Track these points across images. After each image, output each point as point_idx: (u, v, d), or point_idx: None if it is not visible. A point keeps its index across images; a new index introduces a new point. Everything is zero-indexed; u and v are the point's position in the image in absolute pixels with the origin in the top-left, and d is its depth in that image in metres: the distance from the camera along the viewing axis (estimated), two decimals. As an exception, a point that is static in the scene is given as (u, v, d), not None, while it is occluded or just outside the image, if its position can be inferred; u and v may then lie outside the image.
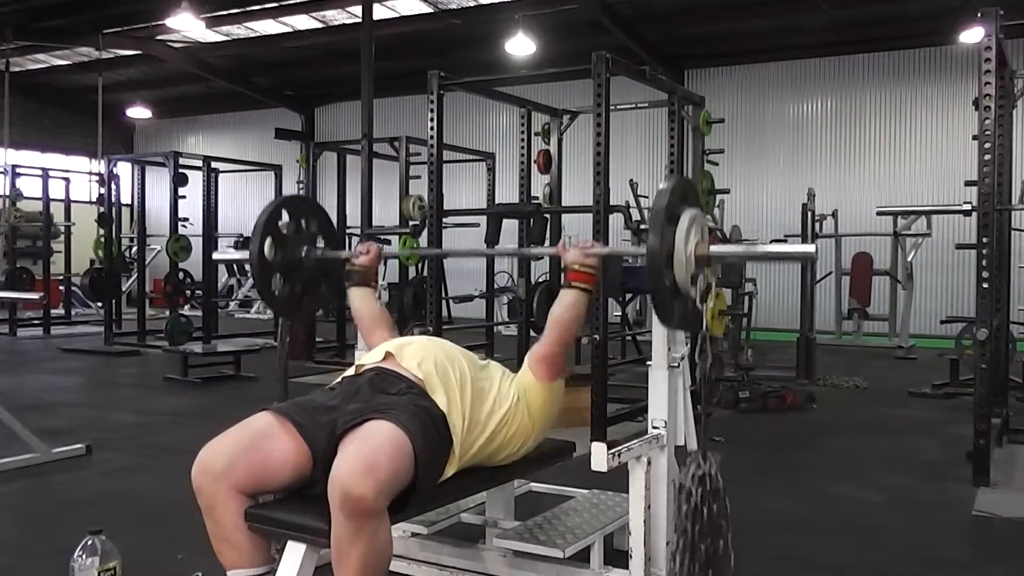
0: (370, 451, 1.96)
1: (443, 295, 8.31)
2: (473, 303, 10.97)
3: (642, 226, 6.60)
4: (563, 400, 2.51)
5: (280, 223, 2.75)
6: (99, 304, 11.17)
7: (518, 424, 2.36)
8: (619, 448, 2.49)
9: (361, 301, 2.78)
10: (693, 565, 2.15)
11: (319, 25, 12.59)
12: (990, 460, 4.17)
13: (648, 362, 2.60)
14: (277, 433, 2.12)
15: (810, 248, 2.44)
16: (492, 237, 6.70)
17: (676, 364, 2.60)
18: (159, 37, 13.19)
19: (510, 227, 7.03)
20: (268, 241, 2.67)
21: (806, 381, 7.33)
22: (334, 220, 10.96)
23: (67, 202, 12.49)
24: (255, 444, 2.09)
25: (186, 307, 10.61)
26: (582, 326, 2.65)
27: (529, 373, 2.42)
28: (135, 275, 11.22)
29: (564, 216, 7.20)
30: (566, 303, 2.43)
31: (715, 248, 2.27)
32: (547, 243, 6.93)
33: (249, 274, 14.99)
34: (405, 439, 2.03)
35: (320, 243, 2.86)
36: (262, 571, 2.09)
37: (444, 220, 5.92)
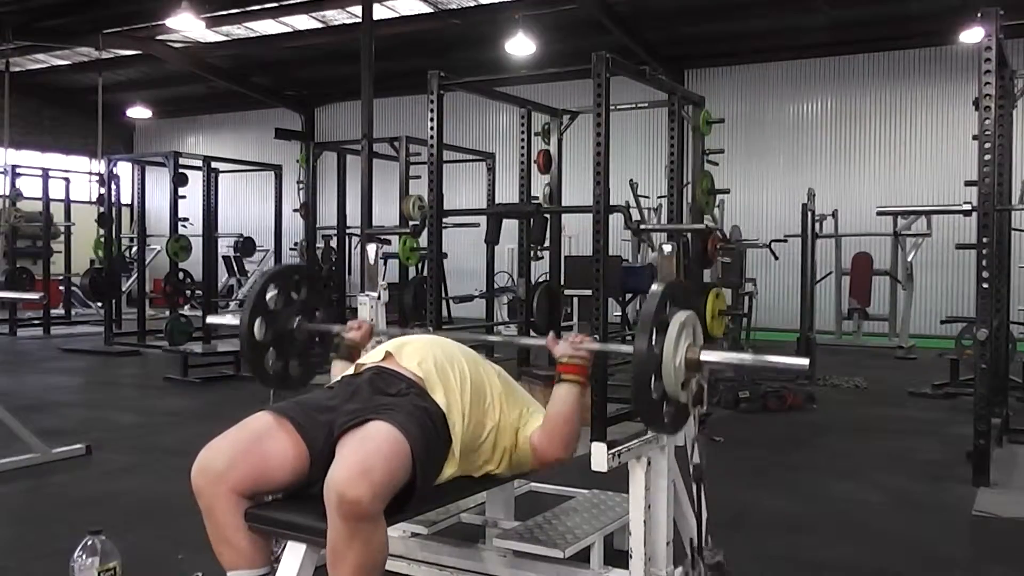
0: (366, 453, 1.96)
1: (443, 295, 8.31)
2: (473, 303, 10.97)
3: (642, 226, 6.59)
4: None
5: (268, 297, 2.68)
6: (99, 304, 11.16)
7: (509, 439, 2.34)
8: (619, 448, 2.49)
9: (340, 372, 2.61)
10: None
11: (319, 25, 12.59)
12: (990, 460, 4.18)
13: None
14: (276, 433, 2.11)
15: (804, 361, 2.26)
16: (492, 237, 6.70)
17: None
18: (159, 37, 13.18)
19: (510, 227, 7.03)
20: (259, 321, 2.63)
21: (806, 381, 7.32)
22: (334, 220, 10.97)
23: (67, 202, 12.49)
24: (254, 445, 2.08)
25: (186, 307, 10.61)
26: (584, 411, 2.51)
27: (528, 449, 2.33)
28: (135, 275, 11.21)
29: (564, 216, 7.21)
30: (560, 397, 2.31)
31: (706, 356, 2.19)
32: (547, 243, 6.93)
33: (249, 274, 15.04)
34: (403, 440, 2.02)
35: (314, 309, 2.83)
36: (262, 572, 2.09)
37: (444, 220, 5.91)
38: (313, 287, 2.85)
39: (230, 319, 3.29)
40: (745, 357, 2.48)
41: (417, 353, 2.32)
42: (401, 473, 2.00)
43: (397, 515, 2.05)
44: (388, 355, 2.35)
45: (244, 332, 2.60)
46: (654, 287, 2.19)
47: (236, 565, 2.07)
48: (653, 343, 2.08)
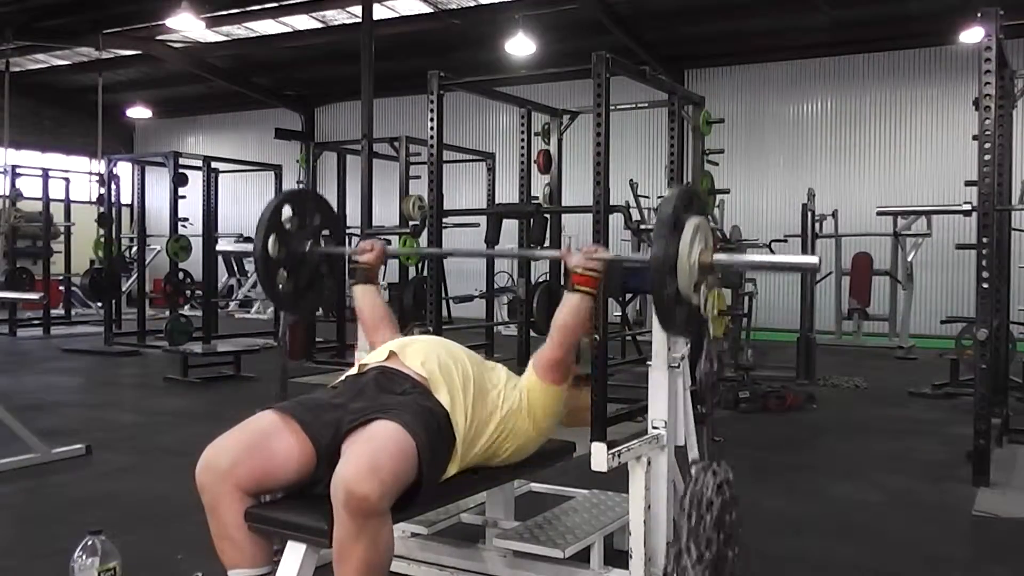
0: (374, 451, 1.96)
1: (443, 295, 8.31)
2: (473, 303, 10.97)
3: (642, 226, 6.59)
4: (567, 402, 2.51)
5: (284, 218, 2.77)
6: (99, 304, 11.17)
7: (518, 426, 2.36)
8: (619, 448, 2.49)
9: (364, 299, 2.78)
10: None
11: (319, 25, 12.59)
12: (990, 460, 4.17)
13: (648, 362, 2.60)
14: (281, 432, 2.12)
15: (813, 259, 2.45)
16: (492, 237, 6.70)
17: (676, 364, 2.60)
18: (159, 37, 13.19)
19: (510, 227, 7.04)
20: (272, 237, 2.69)
21: (806, 381, 7.33)
22: (334, 220, 10.91)
23: (67, 202, 12.48)
24: (259, 443, 2.09)
25: (186, 307, 10.61)
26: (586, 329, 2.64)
27: (534, 376, 2.41)
28: (135, 275, 11.21)
29: (564, 216, 7.21)
30: (570, 307, 2.39)
31: (719, 257, 2.28)
32: (547, 243, 6.94)
33: (249, 274, 15.03)
34: (409, 439, 2.03)
35: (326, 236, 2.89)
36: (263, 571, 2.09)
37: (444, 220, 5.92)
38: (326, 214, 2.91)
39: (239, 246, 3.42)
40: (755, 259, 2.61)
41: (420, 353, 2.33)
42: (407, 471, 2.01)
43: (401, 514, 2.05)
44: (392, 354, 2.36)
45: (258, 247, 2.66)
46: (668, 191, 2.28)
47: (237, 563, 2.07)
48: (669, 242, 2.17)
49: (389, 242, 7.41)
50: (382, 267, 2.89)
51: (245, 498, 2.06)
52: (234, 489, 2.04)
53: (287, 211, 2.80)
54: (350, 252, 2.84)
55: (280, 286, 2.77)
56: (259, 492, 2.09)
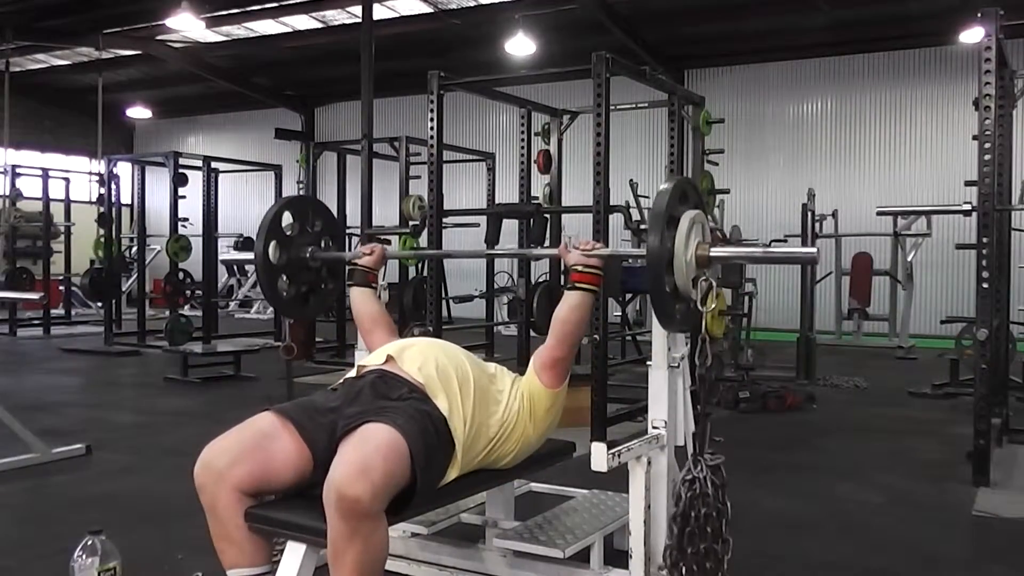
0: (365, 454, 1.96)
1: (443, 295, 8.31)
2: (473, 303, 10.97)
3: (642, 226, 6.60)
4: (565, 402, 2.51)
5: (284, 224, 2.81)
6: (99, 304, 11.17)
7: (519, 428, 2.36)
8: (619, 448, 2.49)
9: (362, 301, 2.78)
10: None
11: (319, 25, 12.59)
12: (990, 460, 4.17)
13: (648, 362, 2.60)
14: (279, 434, 2.12)
15: (811, 250, 2.40)
16: (492, 237, 6.70)
17: (676, 364, 2.60)
18: (159, 37, 13.19)
19: (510, 227, 7.03)
20: (273, 243, 2.72)
21: (806, 381, 7.33)
22: (334, 220, 10.86)
23: (67, 202, 12.49)
24: (258, 444, 2.09)
25: (186, 307, 10.61)
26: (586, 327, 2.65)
27: (535, 377, 2.39)
28: (135, 275, 11.22)
29: (564, 216, 7.20)
30: (571, 304, 2.37)
31: (716, 250, 2.24)
32: (547, 243, 6.93)
33: (249, 274, 15.03)
34: (401, 441, 2.02)
35: (327, 241, 2.94)
36: (262, 571, 2.09)
37: (444, 220, 5.92)
38: (326, 219, 2.95)
39: (239, 254, 3.52)
40: (754, 251, 2.62)
41: (418, 357, 2.32)
42: (400, 473, 2.00)
43: (397, 516, 2.05)
44: (389, 358, 2.35)
45: (259, 253, 2.70)
46: (663, 184, 2.26)
47: (237, 563, 2.07)
48: (665, 236, 2.16)
49: (389, 242, 7.41)
50: (381, 270, 2.88)
51: (244, 498, 2.06)
52: (233, 489, 2.05)
53: (287, 217, 2.83)
54: (349, 256, 2.84)
55: (283, 292, 2.80)
56: (257, 493, 2.09)
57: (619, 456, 2.48)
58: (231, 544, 2.07)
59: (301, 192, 9.78)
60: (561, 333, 2.37)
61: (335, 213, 9.74)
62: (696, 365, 2.26)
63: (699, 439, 2.26)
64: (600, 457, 2.44)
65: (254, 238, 2.77)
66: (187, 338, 8.73)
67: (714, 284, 2.20)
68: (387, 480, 1.95)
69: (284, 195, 10.42)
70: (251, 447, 2.08)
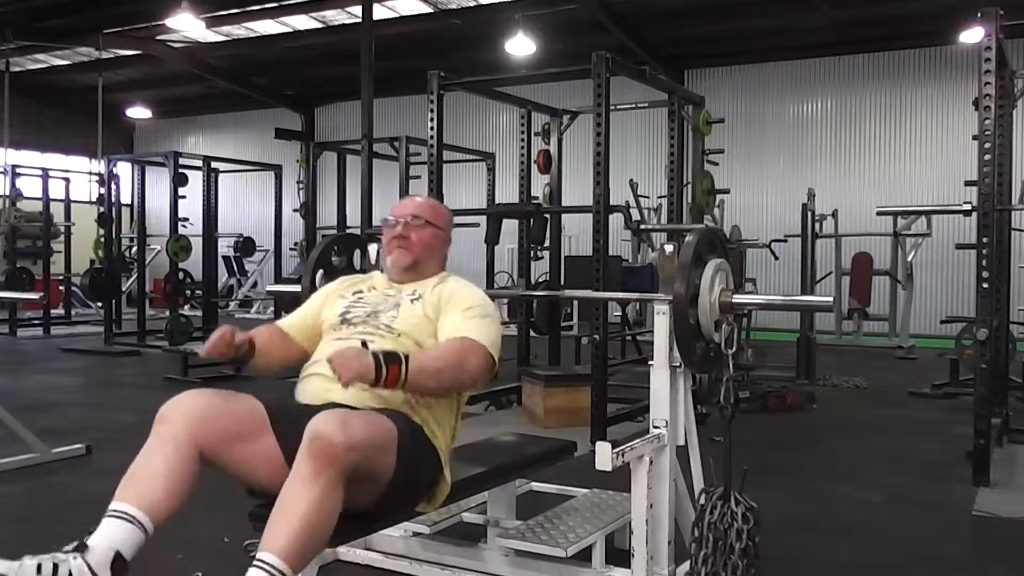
0: (347, 415, 1.94)
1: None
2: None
3: (642, 226, 6.60)
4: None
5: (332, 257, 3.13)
6: (99, 304, 11.17)
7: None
8: (623, 447, 2.49)
9: (269, 361, 2.50)
10: None
11: (319, 25, 12.59)
12: (990, 460, 4.17)
13: (649, 362, 2.61)
14: (259, 420, 2.10)
15: (827, 299, 2.82)
16: (492, 237, 6.70)
17: (678, 364, 2.60)
18: (159, 37, 13.19)
19: (510, 227, 7.04)
20: (320, 272, 3.03)
21: (806, 381, 7.33)
22: (334, 220, 10.95)
23: (67, 202, 12.49)
24: (240, 421, 2.07)
25: (186, 307, 10.61)
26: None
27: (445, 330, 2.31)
28: (135, 275, 11.22)
29: (564, 216, 7.20)
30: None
31: (739, 297, 2.43)
32: (547, 243, 6.93)
33: (249, 274, 15.03)
34: (387, 420, 2.03)
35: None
36: (145, 528, 1.91)
37: (444, 220, 5.91)
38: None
39: (290, 287, 3.70)
40: (774, 299, 3.00)
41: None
42: (381, 445, 1.98)
43: (377, 523, 2.05)
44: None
45: (306, 284, 2.96)
46: (689, 237, 2.45)
47: (134, 503, 1.92)
48: (692, 275, 2.36)
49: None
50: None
51: (195, 456, 1.99)
52: (188, 437, 1.98)
53: (334, 253, 3.13)
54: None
55: None
56: (213, 459, 2.02)
57: (622, 455, 2.48)
58: (145, 483, 1.95)
59: (301, 191, 9.78)
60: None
61: (335, 213, 9.75)
62: (723, 406, 2.44)
63: (726, 475, 2.40)
64: (605, 456, 2.43)
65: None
66: (187, 338, 8.73)
67: (735, 328, 2.34)
68: (367, 441, 1.91)
69: (284, 195, 10.43)
70: (229, 413, 2.06)
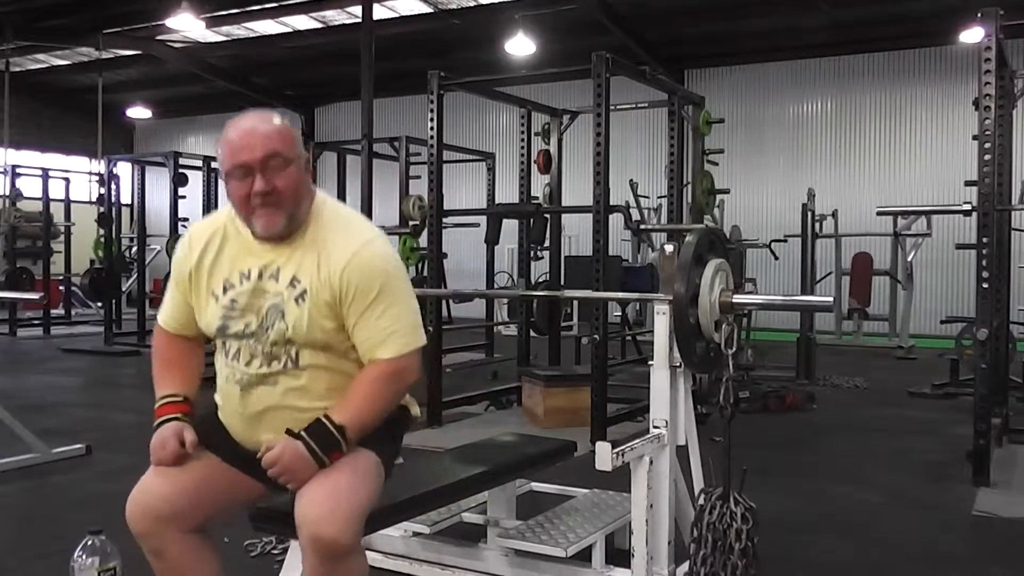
0: (334, 490, 1.81)
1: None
2: (473, 303, 10.97)
3: (642, 226, 6.60)
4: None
5: None
6: (99, 304, 11.17)
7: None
8: (623, 447, 2.49)
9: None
10: None
11: (319, 25, 12.59)
12: (990, 460, 4.18)
13: (649, 362, 2.61)
14: (214, 465, 2.00)
15: (828, 299, 2.86)
16: (492, 237, 6.70)
17: (678, 364, 2.60)
18: (159, 37, 13.19)
19: (510, 227, 7.03)
20: None
21: (806, 381, 7.33)
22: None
23: (67, 202, 12.49)
24: (199, 486, 1.96)
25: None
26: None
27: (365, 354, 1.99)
28: (135, 275, 11.21)
29: (564, 216, 7.20)
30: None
31: (739, 297, 2.42)
32: (547, 243, 6.93)
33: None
34: (367, 455, 1.93)
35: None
36: None
37: (444, 220, 5.93)
38: None
39: None
40: (774, 299, 3.02)
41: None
42: (373, 491, 1.92)
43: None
44: None
45: None
46: (689, 237, 2.44)
47: None
48: (692, 274, 2.36)
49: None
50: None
51: (191, 533, 1.97)
52: (178, 532, 1.94)
53: None
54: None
55: None
56: (204, 526, 2.01)
57: (623, 455, 2.48)
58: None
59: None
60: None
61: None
62: (723, 406, 2.43)
63: (725, 475, 2.40)
64: (605, 456, 2.43)
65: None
66: (187, 338, 8.72)
67: (735, 328, 2.33)
68: (361, 509, 1.84)
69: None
70: (193, 490, 1.94)
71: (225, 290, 1.99)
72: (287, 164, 1.92)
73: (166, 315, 2.15)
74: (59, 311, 12.43)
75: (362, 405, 1.93)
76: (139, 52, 13.74)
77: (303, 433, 1.87)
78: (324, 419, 1.89)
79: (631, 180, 10.64)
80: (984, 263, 4.13)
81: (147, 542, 1.96)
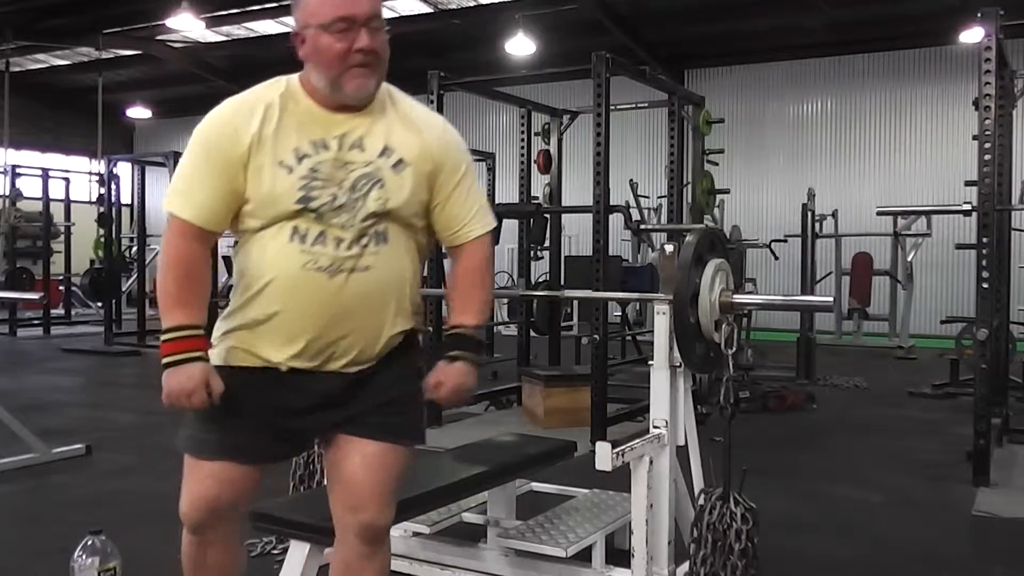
0: (389, 487, 1.85)
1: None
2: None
3: (642, 226, 6.60)
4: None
5: None
6: (99, 304, 11.17)
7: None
8: (623, 447, 2.49)
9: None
10: None
11: (319, 25, 12.58)
12: (990, 460, 4.18)
13: (649, 362, 2.61)
14: (241, 477, 1.94)
15: (828, 299, 2.87)
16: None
17: (678, 364, 2.60)
18: (159, 37, 13.19)
19: (510, 227, 7.03)
20: None
21: (806, 381, 7.33)
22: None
23: (67, 202, 12.49)
24: (235, 498, 1.96)
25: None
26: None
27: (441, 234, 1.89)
28: (135, 275, 11.21)
29: (564, 216, 7.20)
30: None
31: (739, 298, 2.43)
32: (547, 243, 6.93)
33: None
34: (411, 455, 1.91)
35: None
36: None
37: (444, 220, 5.91)
38: None
39: None
40: (774, 299, 3.04)
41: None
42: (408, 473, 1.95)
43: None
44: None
45: None
46: (689, 237, 2.44)
47: None
48: (692, 274, 2.36)
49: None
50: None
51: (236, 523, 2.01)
52: (233, 531, 1.99)
53: None
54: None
55: None
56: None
57: (623, 455, 2.48)
58: None
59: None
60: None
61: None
62: (723, 406, 2.44)
63: (725, 475, 2.40)
64: (605, 456, 2.44)
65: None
66: (187, 338, 8.71)
67: (735, 328, 2.33)
68: (399, 490, 1.91)
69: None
70: (228, 505, 1.95)
71: (300, 160, 1.74)
72: (383, 29, 1.77)
73: (198, 205, 1.77)
74: (59, 311, 12.43)
75: (483, 297, 1.89)
76: (139, 52, 13.74)
77: (458, 353, 1.84)
78: (460, 329, 1.85)
79: (631, 180, 10.63)
80: (984, 263, 4.13)
81: (202, 535, 1.98)
